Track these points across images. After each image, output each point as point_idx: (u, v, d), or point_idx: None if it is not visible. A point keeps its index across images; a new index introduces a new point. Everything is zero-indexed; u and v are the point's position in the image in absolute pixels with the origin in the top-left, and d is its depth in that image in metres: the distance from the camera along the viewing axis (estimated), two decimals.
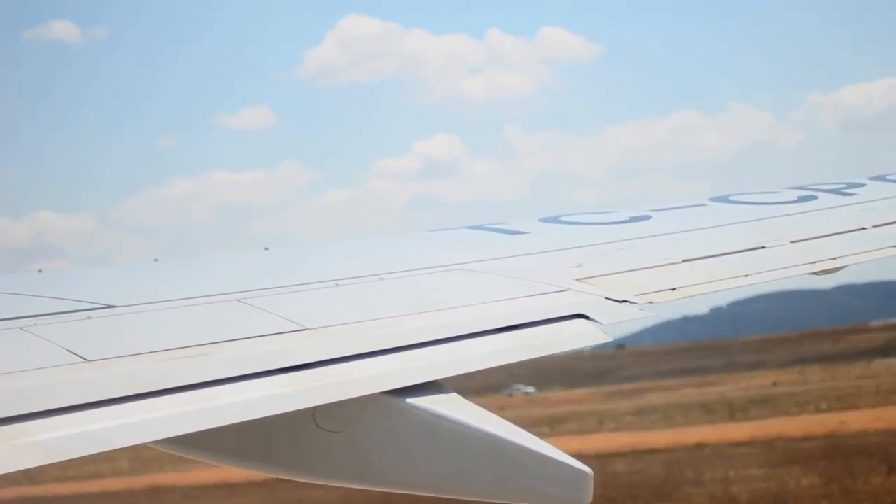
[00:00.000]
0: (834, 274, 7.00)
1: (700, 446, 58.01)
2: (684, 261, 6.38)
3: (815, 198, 8.22)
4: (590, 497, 4.35)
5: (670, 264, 6.31)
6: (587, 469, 4.35)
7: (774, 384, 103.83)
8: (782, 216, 7.67)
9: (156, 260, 6.12)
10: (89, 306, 4.77)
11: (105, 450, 3.78)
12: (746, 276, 6.36)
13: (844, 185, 8.65)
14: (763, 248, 6.82)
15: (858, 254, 7.02)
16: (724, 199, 8.11)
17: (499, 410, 4.64)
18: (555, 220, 7.31)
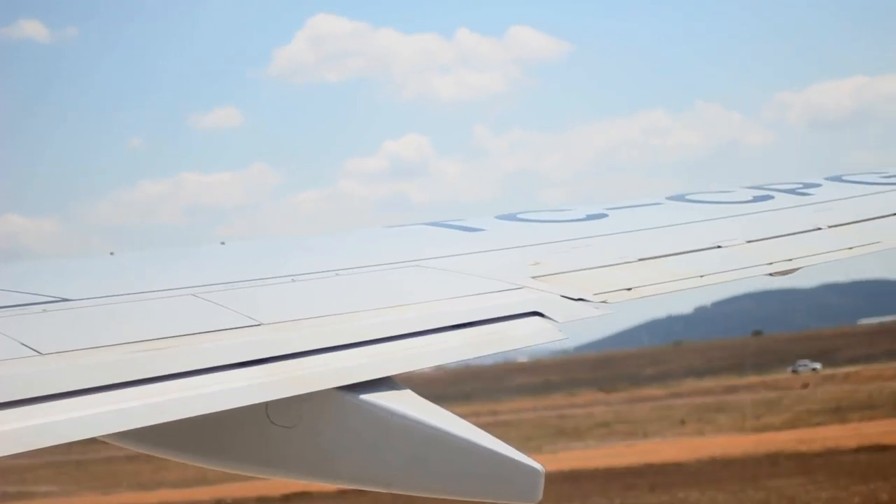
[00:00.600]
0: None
1: None
2: (640, 259, 6.42)
3: (772, 198, 8.28)
4: (540, 494, 4.38)
5: (626, 263, 6.35)
6: (538, 466, 4.38)
7: None
8: (738, 216, 7.72)
9: (111, 254, 6.11)
10: (44, 299, 4.76)
11: (57, 443, 3.78)
12: (702, 276, 6.40)
13: (800, 186, 8.71)
14: (719, 247, 6.87)
15: (814, 255, 7.07)
16: (680, 198, 8.15)
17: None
18: (512, 217, 7.33)
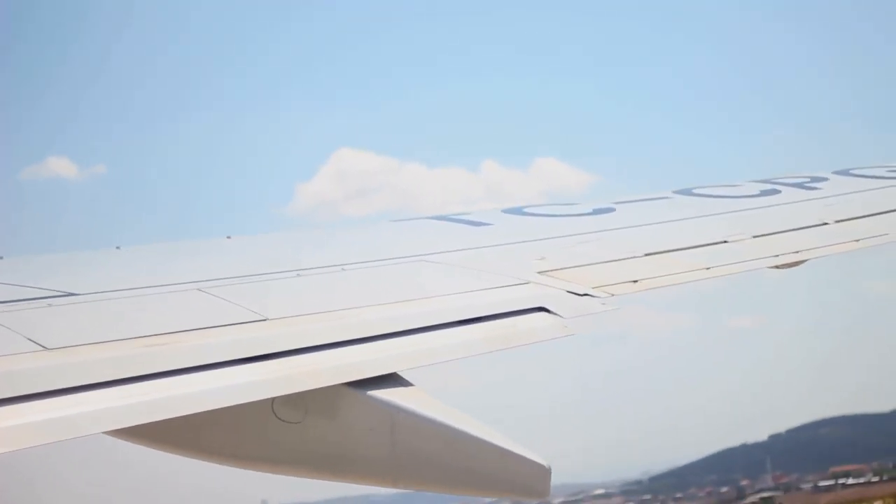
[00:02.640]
0: None
1: None
2: (647, 254, 6.40)
3: (779, 192, 8.25)
4: (548, 490, 4.37)
5: (633, 257, 6.33)
6: (545, 462, 4.37)
7: None
8: (745, 210, 7.69)
9: (118, 248, 6.10)
10: (50, 294, 4.75)
11: (64, 438, 3.77)
12: (709, 268, 6.38)
13: (808, 179, 8.68)
14: (726, 241, 6.84)
15: (820, 248, 7.05)
16: (687, 192, 8.13)
17: None
18: (518, 211, 7.31)
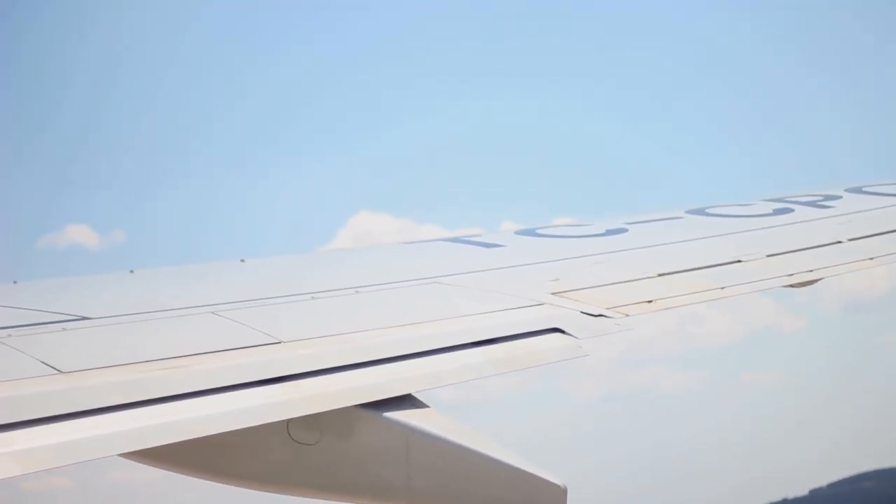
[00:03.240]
0: None
1: None
2: (660, 275, 6.38)
3: (792, 210, 8.23)
4: None
5: (646, 278, 6.31)
6: (561, 483, 4.35)
7: None
8: (758, 229, 7.68)
9: (131, 272, 6.10)
10: (64, 318, 4.75)
11: (78, 461, 3.77)
12: (723, 288, 6.36)
13: (821, 198, 8.66)
14: (739, 261, 6.82)
15: (834, 266, 7.02)
16: (700, 212, 8.11)
17: None
18: (531, 232, 7.30)
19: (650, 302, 5.96)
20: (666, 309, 6.02)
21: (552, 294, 5.82)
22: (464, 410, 4.81)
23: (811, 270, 6.90)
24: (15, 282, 5.83)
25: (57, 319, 4.73)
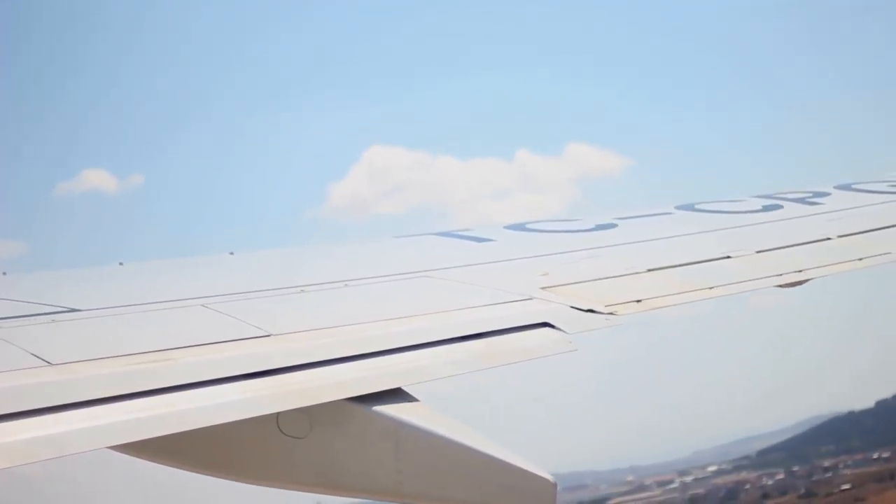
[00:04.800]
0: None
1: None
2: (649, 270, 6.39)
3: (781, 207, 8.24)
4: None
5: (635, 273, 6.32)
6: (550, 478, 4.35)
7: None
8: (748, 225, 7.68)
9: (121, 264, 6.10)
10: (53, 310, 4.75)
11: (68, 454, 3.76)
12: (712, 288, 6.36)
13: (810, 195, 8.68)
14: (728, 257, 6.83)
15: (823, 266, 7.03)
16: (689, 208, 8.12)
17: None
18: (521, 227, 7.31)
19: (639, 301, 5.96)
20: (655, 309, 6.02)
21: (542, 289, 5.82)
22: (453, 404, 4.81)
23: (800, 271, 6.90)
24: (4, 273, 5.82)
25: (46, 311, 4.72)
